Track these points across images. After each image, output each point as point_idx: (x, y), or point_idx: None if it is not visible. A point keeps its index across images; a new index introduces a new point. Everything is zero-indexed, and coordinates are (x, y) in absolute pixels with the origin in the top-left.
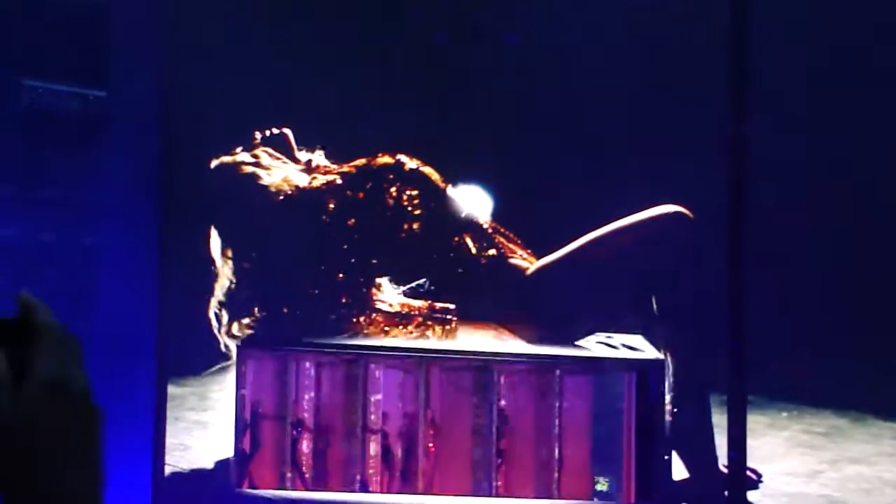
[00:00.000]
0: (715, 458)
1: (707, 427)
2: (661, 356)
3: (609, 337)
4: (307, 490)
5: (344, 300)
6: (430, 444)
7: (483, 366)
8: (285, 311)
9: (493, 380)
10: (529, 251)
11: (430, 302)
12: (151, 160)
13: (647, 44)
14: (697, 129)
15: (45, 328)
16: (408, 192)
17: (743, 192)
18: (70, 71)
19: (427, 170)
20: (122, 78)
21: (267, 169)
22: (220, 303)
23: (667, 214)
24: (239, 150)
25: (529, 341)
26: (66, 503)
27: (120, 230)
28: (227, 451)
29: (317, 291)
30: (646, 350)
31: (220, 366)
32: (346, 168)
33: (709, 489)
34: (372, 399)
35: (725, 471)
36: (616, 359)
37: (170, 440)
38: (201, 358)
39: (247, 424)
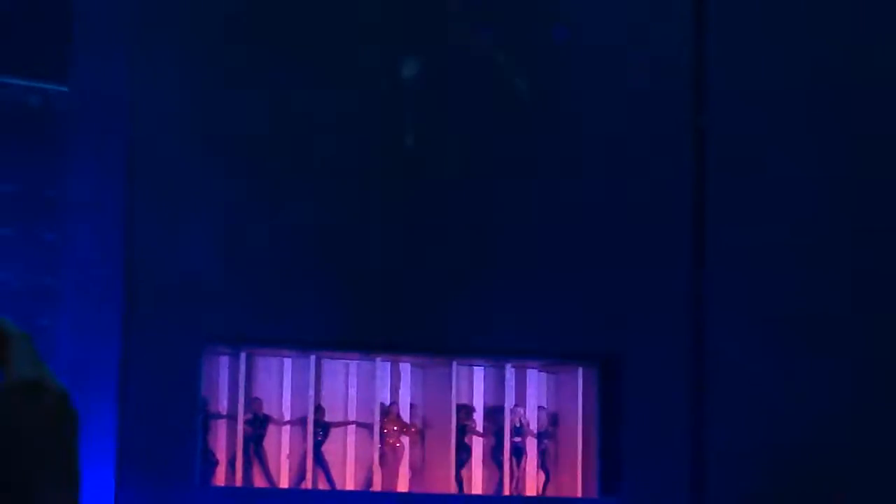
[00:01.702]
0: None
1: None
2: (622, 354)
3: None
4: (269, 484)
5: None
6: (393, 440)
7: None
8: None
9: (453, 376)
10: None
11: None
12: (116, 156)
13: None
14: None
15: (14, 336)
16: None
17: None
18: (30, 66)
19: None
20: (85, 73)
21: None
22: None
23: None
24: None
25: None
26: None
27: (84, 227)
28: (191, 448)
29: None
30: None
31: None
32: None
33: None
34: (323, 394)
35: None
36: (582, 353)
37: (132, 437)
38: (168, 352)
39: (210, 421)
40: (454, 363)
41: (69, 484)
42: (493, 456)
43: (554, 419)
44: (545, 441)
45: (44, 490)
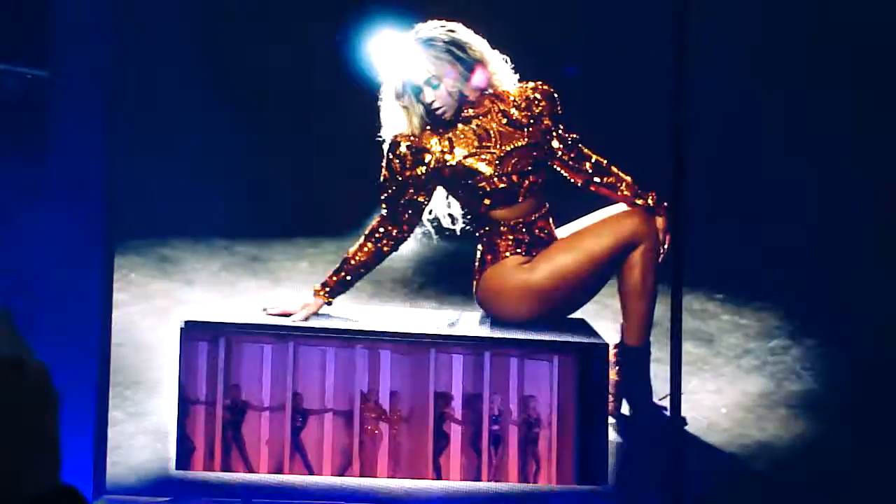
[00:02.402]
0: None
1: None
2: (605, 341)
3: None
4: (248, 472)
5: None
6: (370, 427)
7: (424, 348)
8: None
9: (432, 361)
10: None
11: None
12: (96, 143)
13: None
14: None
15: None
16: None
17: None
18: (7, 48)
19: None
20: (66, 57)
21: None
22: None
23: None
24: None
25: None
26: (24, 483)
27: (63, 213)
28: (169, 435)
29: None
30: (590, 333)
31: None
32: None
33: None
34: (303, 381)
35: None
36: (559, 342)
37: (111, 424)
38: (147, 334)
39: (188, 407)
40: (432, 351)
41: (52, 464)
42: (472, 444)
43: (534, 408)
44: (531, 430)
45: (27, 469)
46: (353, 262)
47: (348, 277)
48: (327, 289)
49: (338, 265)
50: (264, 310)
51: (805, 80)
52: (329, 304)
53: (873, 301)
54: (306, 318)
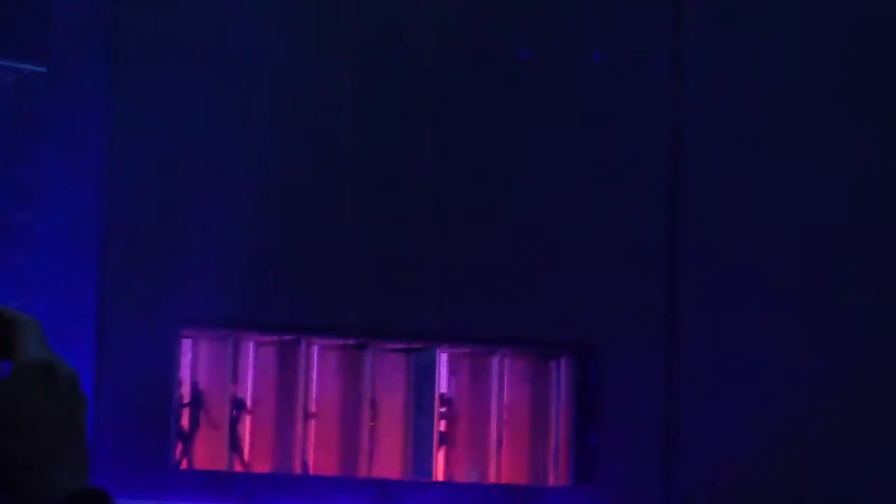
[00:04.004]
0: None
1: None
2: (599, 342)
3: None
4: (245, 468)
5: None
6: (373, 425)
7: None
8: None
9: (435, 363)
10: None
11: None
12: (94, 142)
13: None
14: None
15: (22, 322)
16: None
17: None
18: (7, 45)
19: None
20: (64, 54)
21: None
22: None
23: None
24: None
25: None
26: (53, 486)
27: (59, 209)
28: (167, 430)
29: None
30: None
31: None
32: None
33: None
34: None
35: None
36: (553, 343)
37: (107, 418)
38: (141, 334)
39: (185, 403)
40: (436, 350)
41: (81, 466)
42: (469, 443)
43: (529, 407)
44: (522, 428)
45: (58, 470)
46: None
47: None
48: None
49: None
50: None
51: (805, 81)
52: None
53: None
54: None
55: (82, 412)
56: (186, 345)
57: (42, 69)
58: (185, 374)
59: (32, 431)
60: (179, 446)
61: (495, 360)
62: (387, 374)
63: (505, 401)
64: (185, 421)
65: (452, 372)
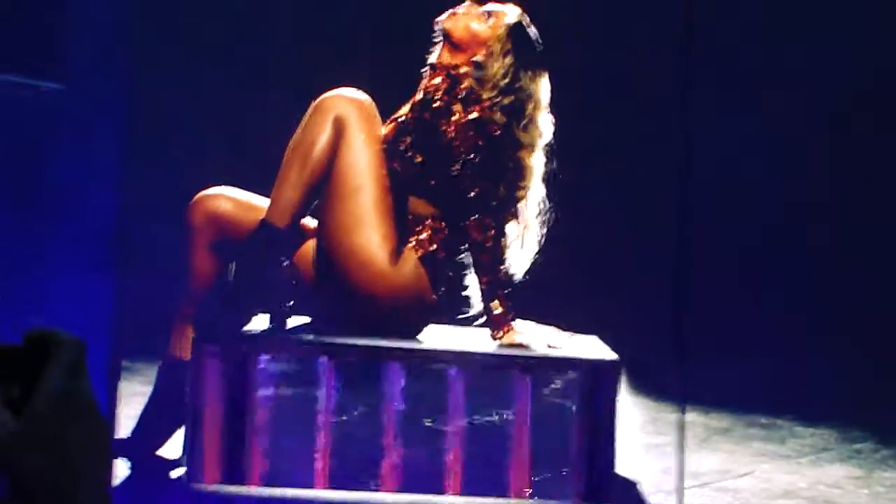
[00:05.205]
0: None
1: None
2: (616, 357)
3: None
4: (260, 486)
5: None
6: (388, 441)
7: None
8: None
9: (449, 378)
10: None
11: None
12: (111, 159)
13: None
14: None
15: (64, 342)
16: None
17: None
18: (22, 60)
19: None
20: (81, 71)
21: None
22: None
23: None
24: None
25: None
26: None
27: (75, 229)
28: (179, 447)
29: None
30: (600, 350)
31: None
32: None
33: None
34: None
35: None
36: (569, 358)
37: (122, 433)
38: (157, 349)
39: (199, 419)
40: (443, 366)
41: (101, 497)
42: (474, 457)
43: (539, 421)
44: (532, 443)
45: (84, 493)
46: None
47: None
48: None
49: None
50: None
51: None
52: None
53: None
54: None
55: (104, 438)
56: (200, 359)
57: (60, 86)
58: (197, 388)
59: (60, 464)
60: (191, 463)
61: (502, 375)
62: (395, 389)
63: (510, 416)
64: (197, 437)
65: (453, 387)
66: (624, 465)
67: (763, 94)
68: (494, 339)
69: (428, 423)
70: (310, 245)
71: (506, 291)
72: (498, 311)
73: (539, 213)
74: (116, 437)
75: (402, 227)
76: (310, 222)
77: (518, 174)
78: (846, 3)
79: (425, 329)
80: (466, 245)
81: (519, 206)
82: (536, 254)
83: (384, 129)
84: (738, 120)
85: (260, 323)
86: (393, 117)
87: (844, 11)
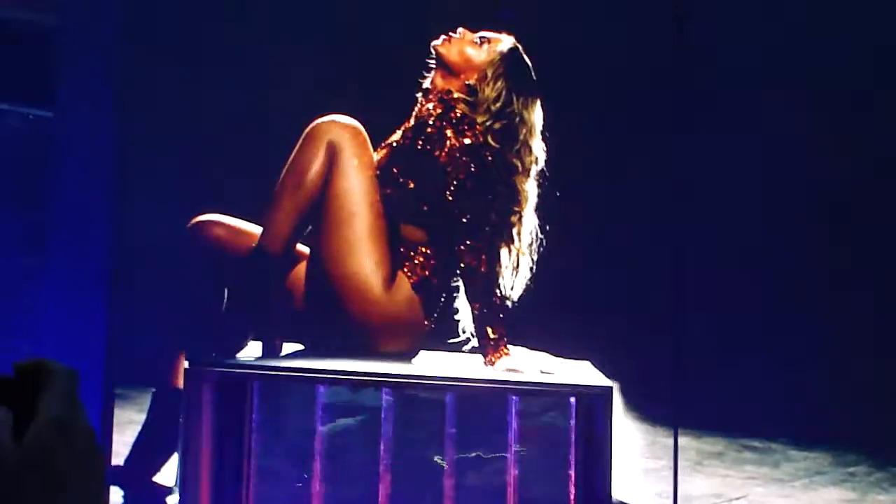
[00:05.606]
0: None
1: None
2: (609, 383)
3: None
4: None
5: None
6: (383, 469)
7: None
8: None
9: (446, 405)
10: None
11: None
12: (102, 184)
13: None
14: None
15: (56, 371)
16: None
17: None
18: (13, 89)
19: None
20: (71, 99)
21: None
22: None
23: None
24: None
25: None
26: None
27: (68, 255)
28: (173, 475)
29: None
30: (593, 376)
31: None
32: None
33: None
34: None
35: None
36: (562, 384)
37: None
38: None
39: (192, 447)
40: (444, 392)
41: None
42: (467, 485)
43: (541, 443)
44: (535, 464)
45: None
46: None
47: None
48: None
49: None
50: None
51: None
52: None
53: None
54: None
55: (99, 468)
56: (196, 387)
57: (48, 113)
58: (191, 417)
59: (53, 493)
60: (185, 492)
61: (509, 399)
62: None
63: (517, 436)
64: (191, 466)
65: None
66: (619, 490)
67: (759, 102)
68: (487, 364)
69: (438, 460)
70: (302, 270)
71: (499, 317)
72: (491, 336)
73: (532, 240)
74: (111, 464)
75: (395, 253)
76: (303, 248)
77: (511, 199)
78: (846, 3)
79: (418, 355)
80: (459, 270)
81: (512, 231)
82: (529, 279)
83: (377, 155)
84: (735, 136)
85: (253, 350)
86: (385, 142)
87: (844, 11)
